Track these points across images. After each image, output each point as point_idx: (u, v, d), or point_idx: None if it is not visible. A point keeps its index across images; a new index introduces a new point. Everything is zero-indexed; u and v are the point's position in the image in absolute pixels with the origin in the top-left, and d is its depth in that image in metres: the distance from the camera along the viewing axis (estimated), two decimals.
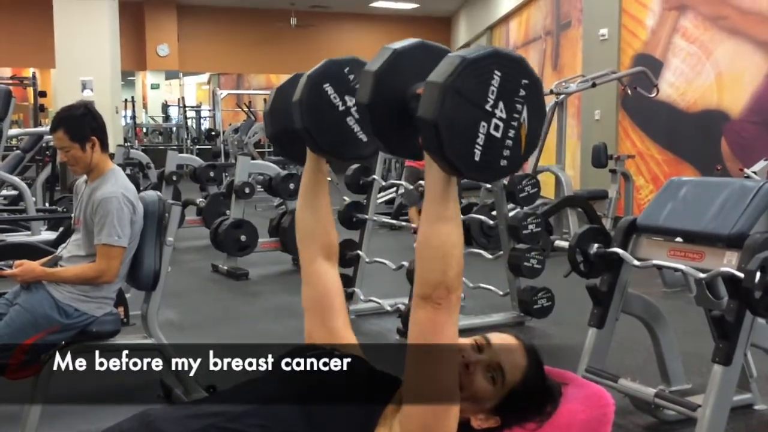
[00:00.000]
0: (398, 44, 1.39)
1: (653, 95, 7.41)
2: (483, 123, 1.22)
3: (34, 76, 11.29)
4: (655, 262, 2.88)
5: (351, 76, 1.54)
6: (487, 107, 1.22)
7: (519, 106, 1.25)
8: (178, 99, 19.11)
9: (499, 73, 1.22)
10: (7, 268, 3.11)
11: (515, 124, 1.25)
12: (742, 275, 2.45)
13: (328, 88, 1.53)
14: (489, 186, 4.62)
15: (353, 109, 1.54)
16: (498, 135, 1.24)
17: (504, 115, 1.24)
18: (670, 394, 2.86)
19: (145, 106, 20.36)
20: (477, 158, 1.23)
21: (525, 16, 12.66)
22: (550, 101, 7.30)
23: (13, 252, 3.87)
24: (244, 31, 17.81)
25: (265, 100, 17.27)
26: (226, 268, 6.25)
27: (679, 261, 2.81)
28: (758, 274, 2.42)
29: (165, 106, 20.25)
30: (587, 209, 6.88)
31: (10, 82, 10.81)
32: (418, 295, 1.32)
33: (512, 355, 1.44)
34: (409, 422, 1.33)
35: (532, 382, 1.44)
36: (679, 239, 2.91)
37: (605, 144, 7.63)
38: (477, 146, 1.22)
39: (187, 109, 18.76)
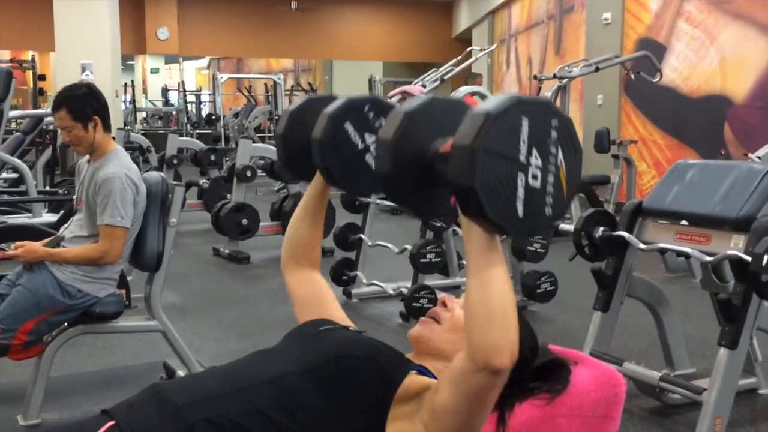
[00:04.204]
0: (409, 105, 1.33)
1: (656, 80, 7.37)
2: (520, 175, 1.16)
3: (33, 60, 11.28)
4: (660, 245, 2.86)
5: (371, 114, 1.54)
6: (521, 158, 1.15)
7: (553, 149, 1.18)
8: (178, 83, 19.05)
9: (526, 120, 1.16)
10: (9, 250, 3.09)
11: (553, 168, 1.18)
12: (749, 258, 2.44)
13: (348, 127, 1.52)
14: None
15: (372, 147, 1.54)
16: (537, 185, 1.17)
17: (540, 163, 1.17)
18: (675, 377, 2.85)
19: (144, 91, 20.31)
20: (521, 214, 1.16)
21: (527, 0, 12.59)
22: (552, 86, 7.27)
23: (15, 234, 3.85)
24: (244, 15, 17.70)
25: (266, 84, 17.31)
26: (227, 251, 6.23)
27: (686, 244, 2.79)
28: (766, 258, 2.40)
29: (165, 91, 20.22)
30: (589, 194, 6.87)
31: (9, 65, 10.73)
32: (474, 361, 1.16)
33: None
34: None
35: None
36: (684, 222, 2.89)
37: (608, 129, 7.61)
38: (518, 201, 1.16)
39: (187, 93, 18.71)
